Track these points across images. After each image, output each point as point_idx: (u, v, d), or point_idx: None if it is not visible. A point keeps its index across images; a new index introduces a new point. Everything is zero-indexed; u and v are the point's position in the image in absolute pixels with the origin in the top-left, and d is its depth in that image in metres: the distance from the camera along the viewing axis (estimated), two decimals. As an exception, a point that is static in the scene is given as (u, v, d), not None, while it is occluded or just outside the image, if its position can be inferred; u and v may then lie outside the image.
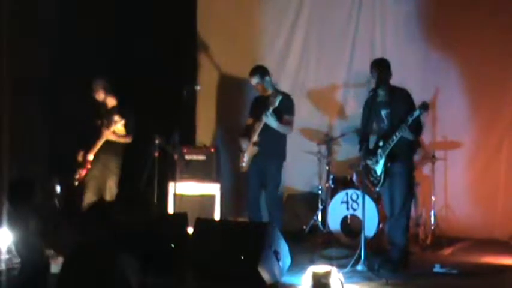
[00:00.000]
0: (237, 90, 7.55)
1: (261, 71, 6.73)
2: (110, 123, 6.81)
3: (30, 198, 5.01)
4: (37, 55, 7.14)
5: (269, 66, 8.05)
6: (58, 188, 6.69)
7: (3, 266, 5.50)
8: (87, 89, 6.98)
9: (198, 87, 7.49)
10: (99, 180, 6.92)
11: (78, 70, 7.20)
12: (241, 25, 8.32)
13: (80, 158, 6.88)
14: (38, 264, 4.73)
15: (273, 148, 6.60)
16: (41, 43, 7.17)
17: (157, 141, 6.84)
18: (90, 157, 6.85)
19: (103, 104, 7.02)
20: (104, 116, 6.93)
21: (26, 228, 4.80)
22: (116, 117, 6.79)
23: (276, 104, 6.41)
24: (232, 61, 8.23)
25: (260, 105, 6.68)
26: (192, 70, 8.33)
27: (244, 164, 6.68)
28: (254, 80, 6.70)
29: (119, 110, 6.93)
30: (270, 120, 6.46)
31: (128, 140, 6.98)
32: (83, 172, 6.84)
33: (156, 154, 6.83)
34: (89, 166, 6.84)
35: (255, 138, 6.57)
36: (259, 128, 6.54)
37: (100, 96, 6.98)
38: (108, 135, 6.83)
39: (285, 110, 6.57)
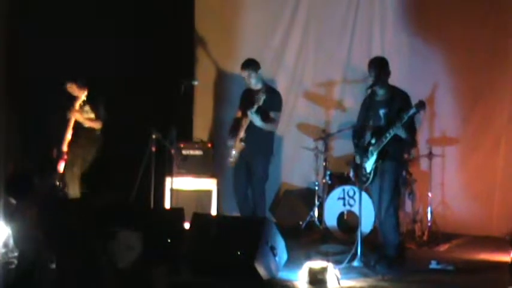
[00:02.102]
0: (234, 86, 7.53)
1: (253, 64, 6.80)
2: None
3: (29, 191, 5.00)
4: (39, 54, 7.12)
5: (266, 62, 8.08)
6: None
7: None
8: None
9: (196, 83, 7.49)
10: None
11: (76, 68, 7.16)
12: (238, 21, 8.30)
13: (54, 154, 6.79)
14: (36, 257, 4.72)
15: (260, 144, 6.69)
16: (41, 43, 7.14)
17: (154, 136, 6.84)
18: (64, 148, 6.79)
19: (75, 98, 6.97)
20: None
21: (25, 222, 4.79)
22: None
23: (260, 102, 6.50)
24: (229, 56, 8.22)
25: (248, 98, 6.77)
26: (189, 65, 8.32)
27: (232, 159, 6.77)
28: (246, 73, 6.77)
29: (88, 98, 6.92)
30: (254, 118, 6.56)
31: (97, 124, 6.96)
32: (61, 166, 6.75)
33: (153, 149, 6.83)
34: (65, 157, 6.76)
35: (241, 134, 6.66)
36: (245, 124, 6.63)
37: (73, 89, 6.93)
38: (74, 114, 6.81)
39: (271, 107, 6.65)
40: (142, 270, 4.16)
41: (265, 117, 6.62)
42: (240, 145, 6.69)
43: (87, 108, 6.91)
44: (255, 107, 6.52)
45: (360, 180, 5.90)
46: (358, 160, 5.87)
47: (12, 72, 6.85)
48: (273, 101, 6.66)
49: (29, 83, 7.01)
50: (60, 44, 7.12)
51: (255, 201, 6.81)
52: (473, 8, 7.45)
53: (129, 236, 3.88)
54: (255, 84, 6.77)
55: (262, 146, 6.74)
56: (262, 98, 6.50)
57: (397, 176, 5.91)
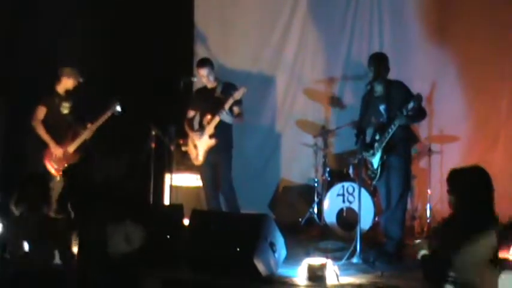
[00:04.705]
0: (233, 82, 7.50)
1: (210, 62, 6.80)
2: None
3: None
4: (37, 53, 7.12)
5: (266, 58, 8.09)
6: None
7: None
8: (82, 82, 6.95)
9: (195, 79, 7.47)
10: None
11: (75, 65, 7.17)
12: (238, 17, 8.30)
13: (58, 153, 6.66)
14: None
15: (225, 141, 6.67)
16: (40, 42, 7.14)
17: (153, 133, 6.84)
18: (70, 149, 6.74)
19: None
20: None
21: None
22: None
23: (239, 96, 6.49)
24: (229, 53, 8.22)
25: (203, 97, 6.74)
26: (188, 61, 8.31)
27: (200, 158, 6.69)
28: (204, 71, 6.73)
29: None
30: (225, 117, 6.55)
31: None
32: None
33: (153, 145, 6.83)
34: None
35: (211, 130, 6.60)
36: (215, 121, 6.56)
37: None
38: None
39: (236, 101, 6.59)
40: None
41: (231, 111, 6.61)
42: (209, 142, 6.62)
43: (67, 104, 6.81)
44: (231, 101, 6.48)
45: (367, 176, 5.93)
46: (366, 157, 5.87)
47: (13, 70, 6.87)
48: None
49: (27, 83, 7.01)
50: (59, 43, 7.13)
51: (227, 197, 6.73)
52: (472, 4, 7.44)
53: (133, 229, 3.79)
54: (212, 81, 6.75)
55: (228, 142, 6.71)
56: (242, 92, 6.49)
57: (405, 171, 5.90)
